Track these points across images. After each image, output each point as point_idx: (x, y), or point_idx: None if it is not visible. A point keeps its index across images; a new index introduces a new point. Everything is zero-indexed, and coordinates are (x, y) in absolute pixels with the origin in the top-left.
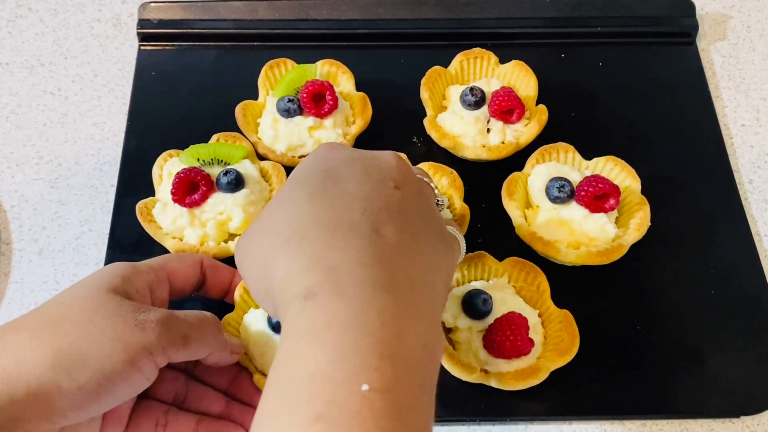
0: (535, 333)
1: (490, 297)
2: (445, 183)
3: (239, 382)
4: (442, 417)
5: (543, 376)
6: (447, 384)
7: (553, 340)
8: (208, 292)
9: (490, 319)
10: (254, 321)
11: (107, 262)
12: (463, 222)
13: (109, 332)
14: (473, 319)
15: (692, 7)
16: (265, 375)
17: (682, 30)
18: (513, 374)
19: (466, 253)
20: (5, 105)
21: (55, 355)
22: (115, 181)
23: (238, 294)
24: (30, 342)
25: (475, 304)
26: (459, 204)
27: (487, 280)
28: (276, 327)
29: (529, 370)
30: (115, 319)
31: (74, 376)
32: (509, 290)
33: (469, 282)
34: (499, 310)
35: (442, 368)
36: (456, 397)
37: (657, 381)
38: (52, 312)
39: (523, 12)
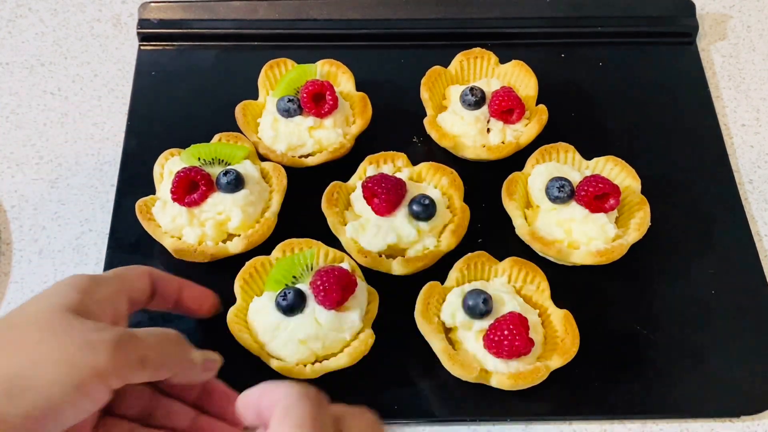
0: (535, 333)
1: (490, 297)
2: (445, 183)
3: (209, 394)
4: (442, 417)
5: (543, 376)
6: (447, 384)
7: (553, 340)
8: (159, 304)
9: (490, 319)
10: (261, 308)
11: (107, 261)
12: (463, 222)
13: (56, 355)
14: (473, 319)
15: (692, 7)
16: (279, 359)
17: (683, 30)
18: (513, 374)
19: (467, 252)
20: (5, 105)
21: (2, 380)
22: (115, 181)
23: (238, 285)
24: None
25: (475, 304)
26: (459, 204)
27: (488, 280)
28: (286, 310)
29: (529, 370)
30: (64, 340)
31: (16, 402)
32: (509, 290)
33: (469, 282)
34: (499, 310)
35: (442, 368)
36: (456, 397)
37: (657, 381)
38: None
39: (523, 12)
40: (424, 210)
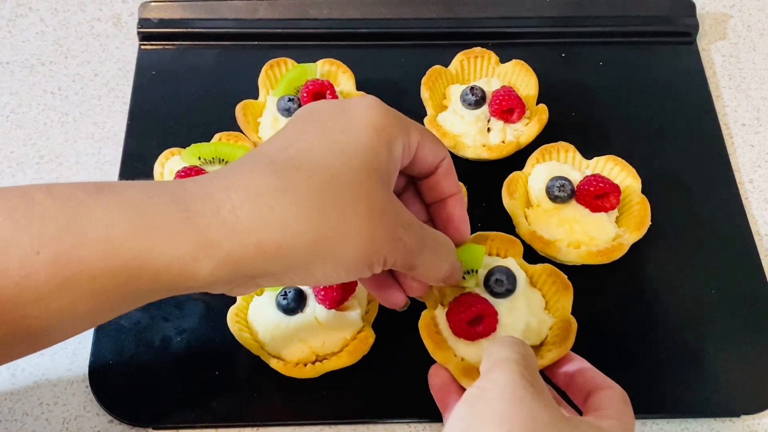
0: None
1: (509, 277)
2: None
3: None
4: (442, 416)
5: None
6: None
7: (548, 346)
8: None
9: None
10: (261, 307)
11: None
12: None
13: (367, 236)
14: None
15: (693, 6)
16: (280, 358)
17: (683, 29)
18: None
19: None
20: (5, 104)
21: (316, 244)
22: (115, 180)
23: None
24: (297, 213)
25: (490, 282)
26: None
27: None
28: (286, 309)
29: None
30: (378, 223)
31: (326, 271)
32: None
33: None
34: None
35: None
36: None
37: (657, 380)
38: (320, 185)
39: (524, 11)
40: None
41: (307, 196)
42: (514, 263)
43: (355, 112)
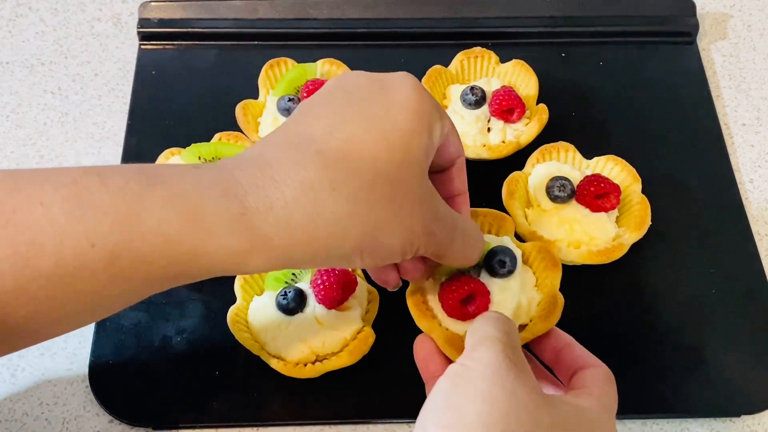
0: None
1: (512, 258)
2: None
3: None
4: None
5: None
6: None
7: (534, 321)
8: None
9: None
10: (262, 307)
11: None
12: None
13: (406, 229)
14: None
15: (693, 6)
16: (280, 358)
17: (683, 29)
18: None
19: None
20: (5, 104)
21: (361, 238)
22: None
23: (238, 284)
24: (348, 210)
25: (493, 262)
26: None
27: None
28: (286, 309)
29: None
30: (417, 216)
31: (364, 260)
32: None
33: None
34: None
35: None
36: None
37: (657, 381)
38: (368, 180)
39: (524, 11)
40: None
41: (358, 192)
42: (510, 242)
43: (394, 92)
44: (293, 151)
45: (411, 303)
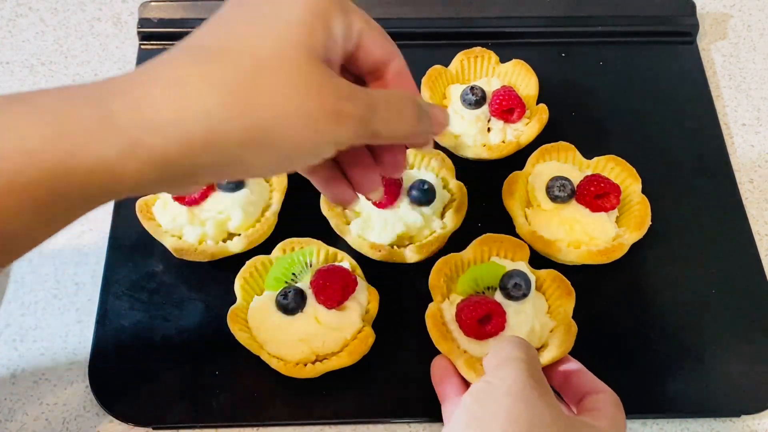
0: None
1: (526, 281)
2: (435, 164)
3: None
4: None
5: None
6: None
7: (548, 347)
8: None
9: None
10: (261, 307)
11: (107, 262)
12: (463, 199)
13: (304, 116)
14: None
15: (693, 6)
16: (280, 358)
17: (683, 29)
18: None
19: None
20: None
21: (247, 131)
22: None
23: (238, 284)
24: (221, 100)
25: (508, 285)
26: (453, 182)
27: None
28: (286, 309)
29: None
30: (315, 101)
31: (264, 158)
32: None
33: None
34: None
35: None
36: None
37: (657, 380)
38: (248, 69)
39: (524, 11)
40: (425, 194)
41: (234, 81)
42: (525, 267)
43: None
44: (166, 55)
45: (430, 324)
